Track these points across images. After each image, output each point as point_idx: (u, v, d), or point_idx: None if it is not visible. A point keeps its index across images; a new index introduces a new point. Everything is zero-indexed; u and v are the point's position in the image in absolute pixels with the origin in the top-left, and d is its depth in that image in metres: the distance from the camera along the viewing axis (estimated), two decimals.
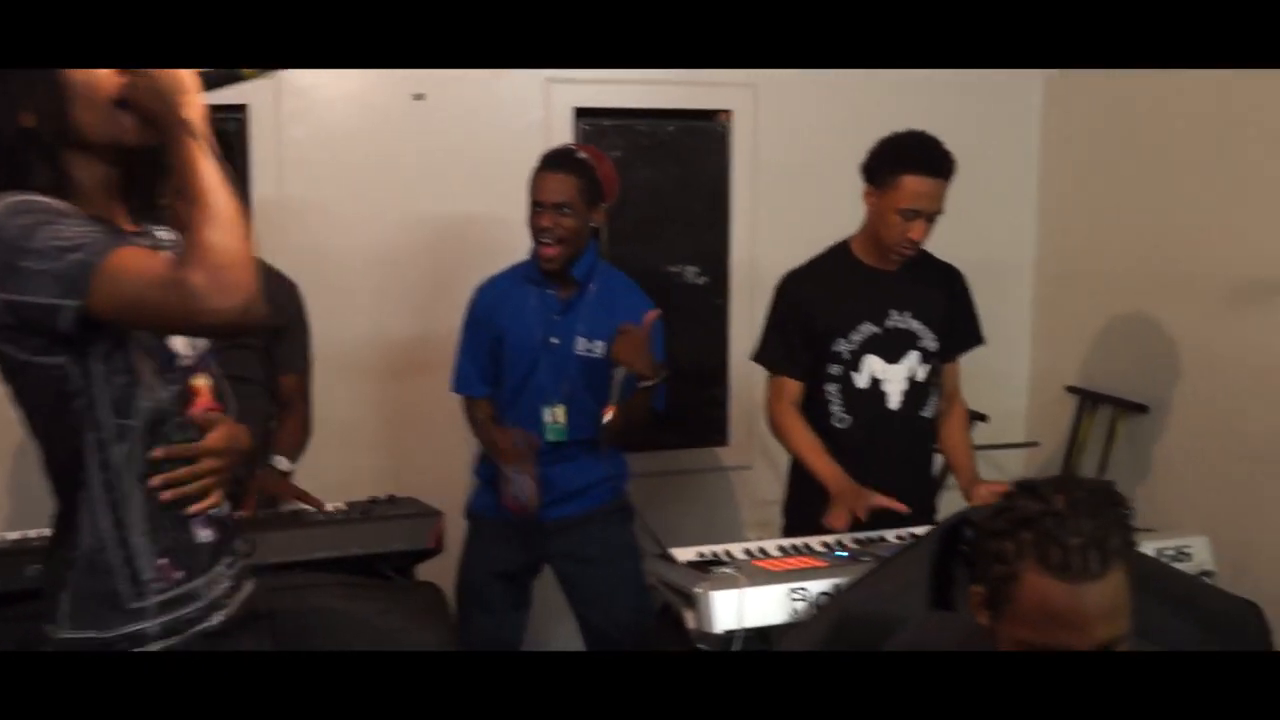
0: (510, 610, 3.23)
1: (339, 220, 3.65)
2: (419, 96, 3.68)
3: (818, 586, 2.33)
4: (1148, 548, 2.57)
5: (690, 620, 2.30)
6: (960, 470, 3.24)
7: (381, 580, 2.63)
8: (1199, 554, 2.67)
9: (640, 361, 2.96)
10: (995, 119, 4.21)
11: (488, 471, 3.23)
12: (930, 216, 2.99)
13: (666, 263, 3.97)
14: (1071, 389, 4.12)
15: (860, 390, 3.09)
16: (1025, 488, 1.65)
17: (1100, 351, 4.12)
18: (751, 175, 4.01)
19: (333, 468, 3.27)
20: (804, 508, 3.09)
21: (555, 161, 3.08)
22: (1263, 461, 3.54)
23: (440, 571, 3.03)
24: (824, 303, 3.09)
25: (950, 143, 2.97)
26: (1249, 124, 3.55)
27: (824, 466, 3.01)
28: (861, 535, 2.76)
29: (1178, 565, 2.61)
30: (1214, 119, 3.66)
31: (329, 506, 2.83)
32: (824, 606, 2.25)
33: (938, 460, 3.34)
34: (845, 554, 2.57)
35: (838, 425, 3.10)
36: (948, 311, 3.19)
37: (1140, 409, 3.91)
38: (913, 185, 2.93)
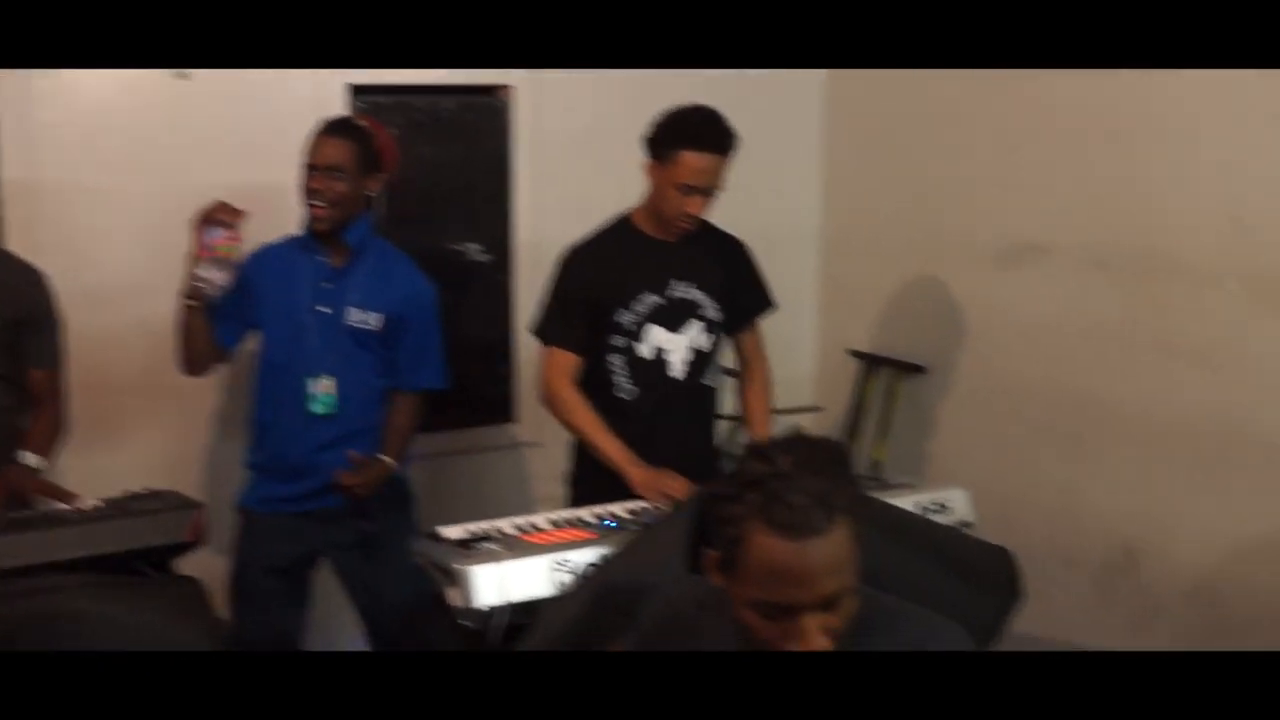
0: (288, 607, 3.15)
1: (100, 204, 3.48)
2: (182, 74, 3.54)
3: (584, 557, 2.34)
4: (907, 502, 2.66)
5: (454, 598, 2.28)
6: (755, 436, 3.30)
7: (137, 577, 2.53)
8: (957, 506, 2.78)
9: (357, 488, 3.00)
10: (779, 92, 4.25)
11: (259, 461, 3.15)
12: (709, 191, 3.02)
13: (449, 240, 3.90)
14: (854, 353, 4.22)
15: (644, 360, 3.12)
16: (754, 450, 1.67)
17: (881, 316, 4.23)
18: (534, 150, 3.98)
19: (99, 463, 3.14)
20: (589, 478, 3.12)
21: (332, 126, 3.05)
22: (1029, 415, 3.70)
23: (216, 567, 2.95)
24: (606, 274, 3.11)
25: (733, 116, 2.99)
26: (1016, 102, 3.70)
27: (615, 450, 3.03)
28: (635, 505, 2.78)
29: (937, 518, 2.70)
30: (986, 97, 3.79)
31: (86, 504, 2.71)
32: (587, 577, 2.26)
33: (722, 427, 3.40)
34: (614, 524, 2.58)
35: (623, 396, 3.12)
36: (730, 281, 3.23)
37: (918, 370, 4.03)
38: (692, 161, 2.95)
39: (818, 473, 1.61)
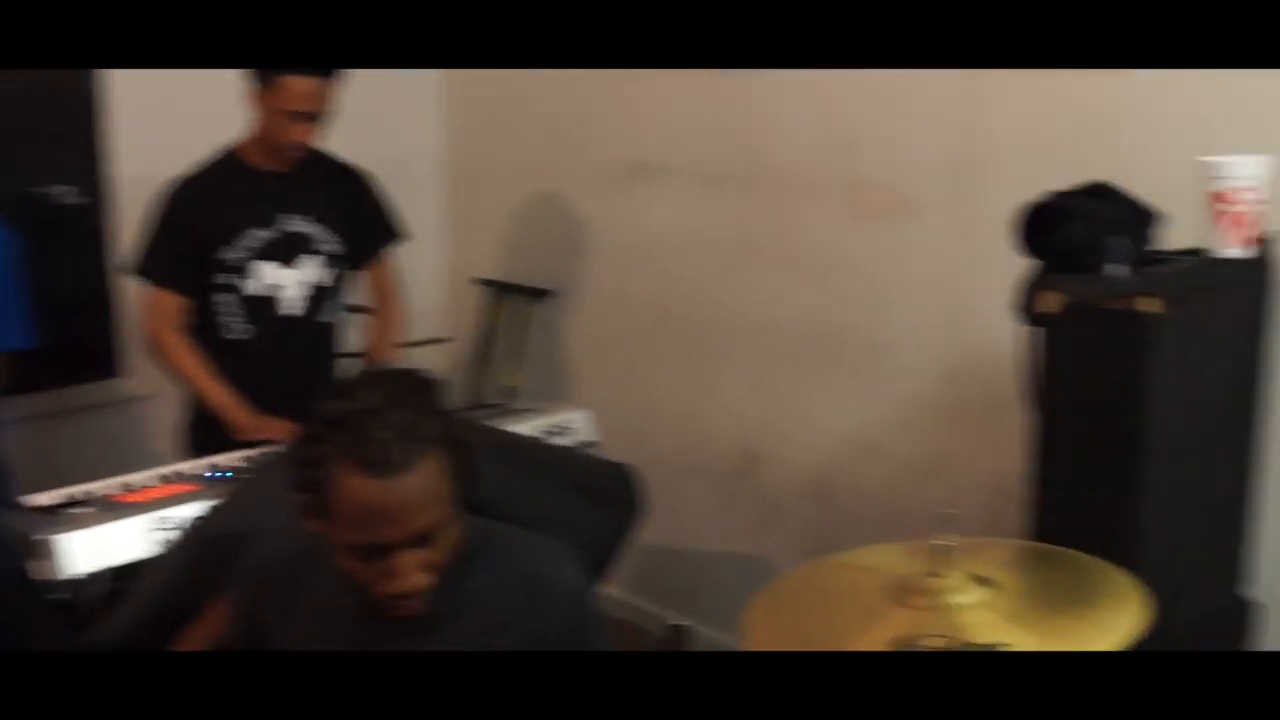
0: None
1: None
2: None
3: (187, 513, 2.22)
4: (529, 427, 2.67)
5: (42, 570, 2.11)
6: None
7: None
8: (580, 427, 2.82)
9: None
10: None
11: None
12: (316, 117, 2.92)
13: (32, 183, 3.57)
14: (481, 280, 4.19)
15: (254, 298, 3.02)
16: (337, 388, 1.61)
17: (508, 242, 4.22)
18: (131, 80, 3.69)
19: None
20: (203, 427, 2.99)
21: None
22: (655, 331, 3.78)
23: None
24: (211, 209, 2.98)
25: None
26: None
27: (216, 393, 2.93)
28: (249, 452, 2.67)
29: (561, 440, 2.72)
30: None
31: None
32: (188, 532, 2.14)
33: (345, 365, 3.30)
34: (222, 475, 2.46)
35: (235, 336, 3.03)
36: (352, 214, 3.16)
37: (546, 293, 4.04)
38: (295, 86, 2.85)
39: (404, 406, 1.56)
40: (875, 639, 1.64)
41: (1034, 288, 2.13)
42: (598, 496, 2.45)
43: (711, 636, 3.49)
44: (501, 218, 4.21)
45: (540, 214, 4.10)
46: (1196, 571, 2.30)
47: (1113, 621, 1.64)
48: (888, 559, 1.92)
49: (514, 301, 4.11)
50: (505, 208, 4.20)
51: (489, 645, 1.67)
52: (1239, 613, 2.43)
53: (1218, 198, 2.18)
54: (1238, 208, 2.17)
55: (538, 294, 4.05)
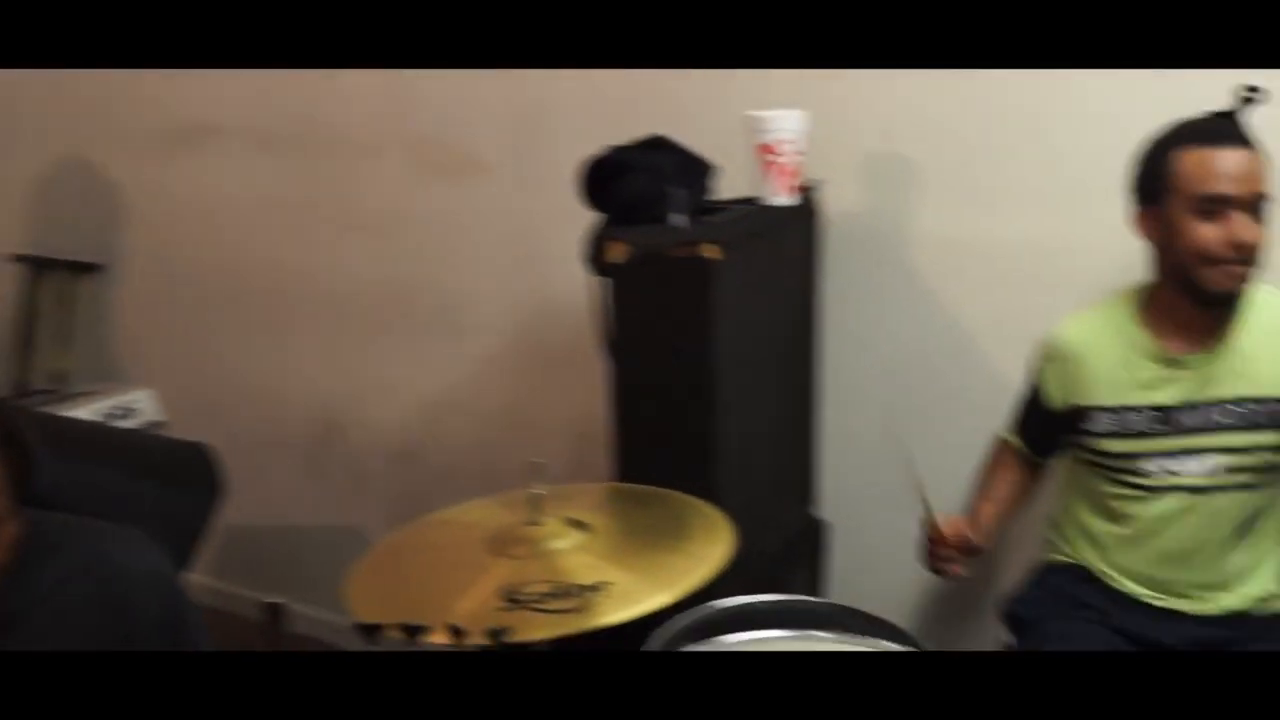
0: None
1: None
2: None
3: None
4: (88, 411, 2.49)
5: None
6: None
7: None
8: (144, 408, 2.65)
9: None
10: None
11: None
12: None
13: None
14: (14, 257, 3.83)
15: None
16: None
17: (43, 213, 3.89)
18: None
19: None
20: None
21: None
22: (221, 302, 3.61)
23: None
24: None
25: None
26: None
27: None
28: None
29: (126, 423, 2.55)
30: None
31: None
32: None
33: None
34: None
35: None
36: None
37: (94, 268, 3.76)
38: None
39: None
40: (480, 592, 1.65)
41: (601, 239, 2.19)
42: (172, 479, 2.32)
43: (309, 612, 3.40)
44: (31, 188, 3.86)
45: (77, 182, 3.79)
46: (773, 497, 2.48)
47: (704, 552, 1.73)
48: (485, 512, 1.94)
49: (55, 278, 3.78)
50: (34, 177, 3.86)
51: (68, 643, 1.55)
52: (813, 532, 2.65)
53: (764, 149, 2.33)
54: (782, 159, 2.33)
55: (82, 268, 3.75)
